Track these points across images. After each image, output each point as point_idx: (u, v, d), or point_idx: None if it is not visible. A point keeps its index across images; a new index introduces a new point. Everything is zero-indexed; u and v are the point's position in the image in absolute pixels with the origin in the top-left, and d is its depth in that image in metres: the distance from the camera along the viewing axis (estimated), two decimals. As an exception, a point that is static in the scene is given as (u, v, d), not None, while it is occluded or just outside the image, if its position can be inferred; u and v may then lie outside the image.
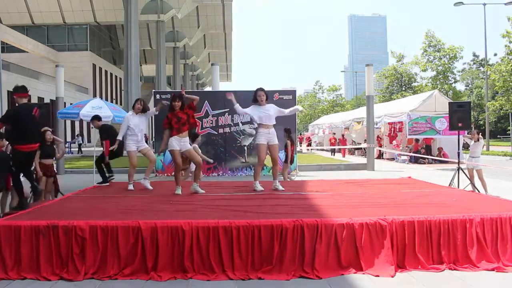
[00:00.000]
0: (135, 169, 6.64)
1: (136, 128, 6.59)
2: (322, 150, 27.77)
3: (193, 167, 7.61)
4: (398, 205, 4.71)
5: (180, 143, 5.89)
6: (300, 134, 41.06)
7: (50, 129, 6.91)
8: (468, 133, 9.27)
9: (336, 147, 23.73)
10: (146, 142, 7.06)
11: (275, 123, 6.19)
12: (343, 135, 25.00)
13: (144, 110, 6.71)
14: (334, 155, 23.85)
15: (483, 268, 3.82)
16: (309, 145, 30.18)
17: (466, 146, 8.85)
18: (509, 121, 26.73)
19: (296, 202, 5.06)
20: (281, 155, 9.53)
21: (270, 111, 6.10)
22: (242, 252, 3.77)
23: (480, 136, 8.78)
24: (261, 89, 6.18)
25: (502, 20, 24.45)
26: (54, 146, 7.10)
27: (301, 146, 28.71)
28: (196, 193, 5.88)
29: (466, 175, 8.56)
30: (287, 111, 6.35)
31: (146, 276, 3.69)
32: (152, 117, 9.15)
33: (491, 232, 3.98)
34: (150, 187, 6.51)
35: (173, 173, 11.82)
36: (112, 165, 7.52)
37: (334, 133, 26.45)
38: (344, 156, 23.21)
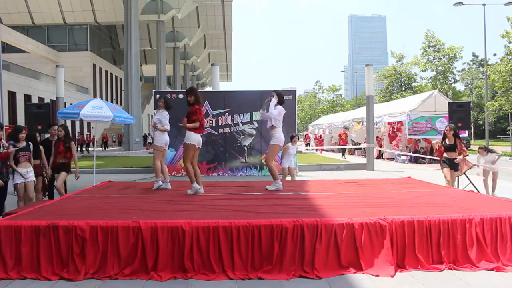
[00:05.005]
0: (155, 165, 6.54)
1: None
2: (319, 150, 27.73)
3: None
4: (398, 205, 4.72)
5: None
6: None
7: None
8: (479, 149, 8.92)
9: (319, 147, 23.97)
10: (151, 141, 6.95)
11: (271, 124, 6.24)
12: (320, 136, 25.28)
13: (168, 106, 6.62)
14: (344, 156, 21.63)
15: (482, 268, 3.83)
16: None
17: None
18: (508, 121, 26.70)
19: (296, 202, 5.06)
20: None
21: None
22: (242, 252, 3.77)
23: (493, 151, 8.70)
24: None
25: (502, 20, 24.44)
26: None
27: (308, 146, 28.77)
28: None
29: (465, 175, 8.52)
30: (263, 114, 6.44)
31: (146, 276, 3.69)
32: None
33: (490, 232, 3.98)
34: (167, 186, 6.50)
35: (173, 173, 11.92)
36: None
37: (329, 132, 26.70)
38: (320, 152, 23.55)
